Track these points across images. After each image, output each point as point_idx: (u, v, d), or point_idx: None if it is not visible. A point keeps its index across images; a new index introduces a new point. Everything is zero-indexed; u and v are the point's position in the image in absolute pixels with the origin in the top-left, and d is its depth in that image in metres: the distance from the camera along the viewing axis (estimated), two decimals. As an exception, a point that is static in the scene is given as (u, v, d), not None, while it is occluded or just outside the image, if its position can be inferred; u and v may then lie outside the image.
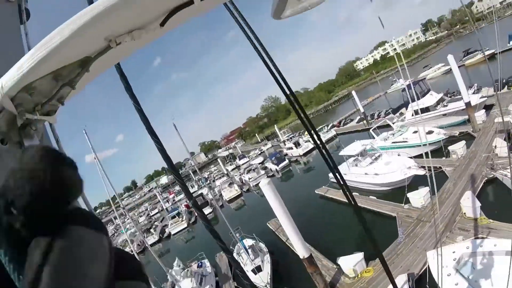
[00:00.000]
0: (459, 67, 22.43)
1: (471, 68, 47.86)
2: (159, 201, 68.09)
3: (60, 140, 1.75)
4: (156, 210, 66.69)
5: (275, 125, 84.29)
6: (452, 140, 22.25)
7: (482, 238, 11.73)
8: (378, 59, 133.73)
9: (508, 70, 23.31)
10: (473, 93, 25.87)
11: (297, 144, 52.23)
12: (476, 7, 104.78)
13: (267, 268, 17.73)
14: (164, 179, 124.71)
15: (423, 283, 11.04)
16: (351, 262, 14.07)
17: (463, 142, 20.25)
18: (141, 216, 67.45)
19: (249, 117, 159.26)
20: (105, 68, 1.34)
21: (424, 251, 13.00)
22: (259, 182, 15.50)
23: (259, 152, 71.18)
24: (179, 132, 24.97)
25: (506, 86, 26.73)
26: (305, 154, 49.56)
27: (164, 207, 60.72)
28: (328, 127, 54.90)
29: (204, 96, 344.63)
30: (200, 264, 22.14)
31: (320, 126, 55.29)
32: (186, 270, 21.12)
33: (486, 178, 15.97)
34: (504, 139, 17.08)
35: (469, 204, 13.79)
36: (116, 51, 1.12)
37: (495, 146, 16.96)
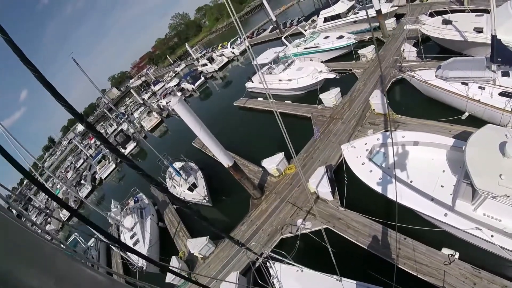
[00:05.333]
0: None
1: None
2: (81, 151, 63.41)
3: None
4: (82, 160, 62.15)
5: (186, 44, 79.28)
6: (362, 45, 22.75)
7: (391, 131, 12.96)
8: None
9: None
10: (385, 2, 25.75)
11: (211, 60, 50.90)
12: None
13: (201, 183, 18.48)
14: (80, 127, 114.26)
15: (341, 173, 12.10)
16: (274, 163, 15.04)
17: (372, 46, 20.80)
18: (68, 172, 63.11)
19: (157, 39, 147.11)
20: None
21: (339, 145, 14.11)
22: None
23: (174, 74, 67.77)
24: (84, 68, 22.16)
25: (418, -2, 26.77)
26: (220, 69, 48.86)
27: (88, 155, 57.11)
28: (241, 38, 53.25)
29: (104, 25, 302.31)
30: (136, 199, 22.05)
31: (233, 39, 53.43)
32: (124, 209, 21.06)
33: (394, 79, 16.98)
34: (413, 45, 18.06)
35: (377, 101, 14.86)
36: None
37: (403, 50, 17.74)
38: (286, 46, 27.85)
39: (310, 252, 11.13)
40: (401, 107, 15.08)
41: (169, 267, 9.41)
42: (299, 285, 8.63)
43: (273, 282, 9.24)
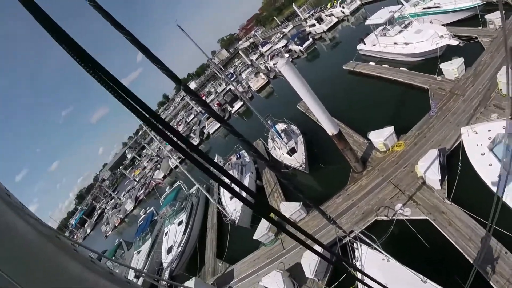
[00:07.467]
0: None
1: None
2: (192, 107, 69.73)
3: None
4: (192, 116, 68.74)
5: (293, 4, 76.89)
6: (488, 9, 18.59)
7: None
8: None
9: None
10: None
11: (319, 20, 48.38)
12: None
13: (301, 148, 18.28)
14: (192, 84, 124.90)
15: (455, 160, 10.51)
16: (381, 136, 13.68)
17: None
18: (179, 125, 70.47)
19: (264, 1, 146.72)
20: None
21: (457, 126, 12.22)
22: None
23: (281, 36, 66.99)
24: (190, 34, 23.39)
25: None
26: (329, 30, 46.15)
27: (198, 111, 62.39)
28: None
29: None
30: (238, 155, 23.35)
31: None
32: (227, 164, 22.51)
33: None
34: None
35: (506, 80, 12.11)
36: None
37: None
38: (403, 5, 24.42)
39: (402, 241, 10.29)
40: None
41: (271, 216, 9.62)
42: (381, 275, 7.96)
43: (355, 264, 8.88)
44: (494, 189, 8.21)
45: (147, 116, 2.11)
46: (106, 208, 66.87)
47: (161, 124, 2.21)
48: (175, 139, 2.29)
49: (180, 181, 26.98)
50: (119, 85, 1.94)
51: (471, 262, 8.13)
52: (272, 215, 15.64)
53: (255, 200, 3.77)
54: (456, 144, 11.74)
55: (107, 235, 49.19)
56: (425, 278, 7.19)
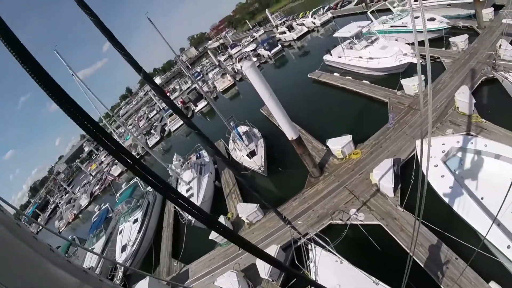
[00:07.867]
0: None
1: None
2: (155, 103, 68.14)
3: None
4: (154, 112, 66.96)
5: (266, 10, 77.81)
6: (454, 32, 20.03)
7: (472, 135, 11.29)
8: None
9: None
10: (485, -13, 22.45)
11: (290, 28, 49.54)
12: None
13: (260, 152, 18.39)
14: (157, 80, 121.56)
15: (409, 170, 10.88)
16: (339, 144, 14.15)
17: (466, 36, 18.29)
18: (141, 120, 68.61)
19: (238, 4, 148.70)
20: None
21: (412, 139, 12.91)
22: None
23: (251, 40, 67.35)
24: (160, 28, 22.73)
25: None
26: (299, 38, 47.25)
27: (161, 107, 61.01)
28: (324, 9, 50.26)
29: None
30: (198, 155, 23.01)
31: (315, 8, 50.94)
32: (186, 163, 22.05)
33: (485, 77, 14.83)
34: (511, 43, 15.30)
35: (463, 99, 12.95)
36: None
37: (500, 46, 15.01)
38: (371, 21, 25.60)
39: (355, 245, 10.64)
40: (487, 110, 13.03)
41: (217, 227, 9.75)
42: (334, 276, 8.19)
43: (309, 265, 9.05)
44: (446, 199, 8.76)
45: (89, 125, 1.98)
46: (60, 202, 63.31)
47: (105, 136, 2.09)
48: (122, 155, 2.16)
49: (137, 177, 26.04)
50: (61, 90, 1.80)
51: (422, 265, 8.55)
52: (229, 215, 15.70)
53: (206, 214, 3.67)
54: (410, 155, 12.39)
55: (60, 231, 46.45)
56: (377, 280, 7.40)
